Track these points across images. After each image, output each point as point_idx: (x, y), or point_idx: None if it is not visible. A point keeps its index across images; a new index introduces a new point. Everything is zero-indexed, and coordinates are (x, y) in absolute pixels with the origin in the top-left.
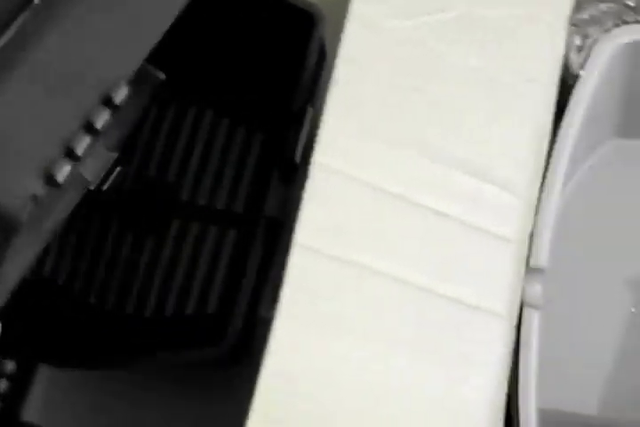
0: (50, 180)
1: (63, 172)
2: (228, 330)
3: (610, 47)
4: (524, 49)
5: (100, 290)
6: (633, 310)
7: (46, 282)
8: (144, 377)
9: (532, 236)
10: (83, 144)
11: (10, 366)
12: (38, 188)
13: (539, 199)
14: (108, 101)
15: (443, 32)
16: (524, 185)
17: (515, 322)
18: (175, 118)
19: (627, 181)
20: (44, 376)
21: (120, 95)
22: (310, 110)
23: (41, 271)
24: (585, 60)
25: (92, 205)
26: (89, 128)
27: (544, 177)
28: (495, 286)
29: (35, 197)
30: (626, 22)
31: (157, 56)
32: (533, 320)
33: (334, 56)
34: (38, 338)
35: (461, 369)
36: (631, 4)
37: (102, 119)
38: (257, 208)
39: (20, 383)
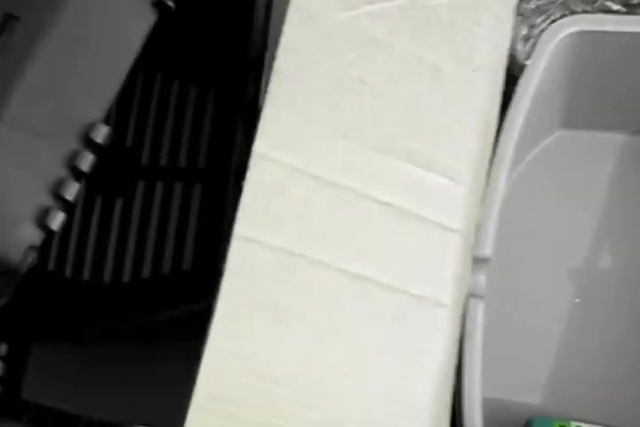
0: (45, 228)
1: (57, 219)
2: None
3: (556, 37)
4: (470, 39)
5: (75, 262)
6: (577, 300)
7: None
8: (132, 348)
9: (477, 226)
10: (72, 189)
11: (2, 348)
12: (35, 237)
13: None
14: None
15: (386, 21)
16: (470, 175)
17: (460, 312)
18: (126, 84)
19: (570, 171)
20: (37, 355)
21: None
22: (267, 55)
23: None
24: (531, 51)
25: None
26: (75, 171)
27: (490, 166)
28: (440, 276)
29: (34, 247)
30: (573, 12)
31: None
32: (477, 310)
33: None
34: (23, 318)
35: (406, 360)
36: None
37: (87, 161)
38: (223, 161)
39: (16, 364)
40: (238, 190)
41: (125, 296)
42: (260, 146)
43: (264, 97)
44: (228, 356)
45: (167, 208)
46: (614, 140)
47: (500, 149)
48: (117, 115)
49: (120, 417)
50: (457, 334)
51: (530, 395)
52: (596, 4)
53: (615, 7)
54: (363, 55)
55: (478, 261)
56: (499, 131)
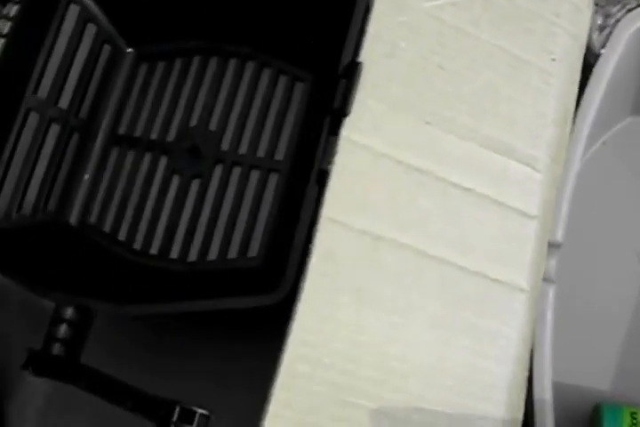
0: None
1: None
2: (282, 279)
3: (631, 27)
4: (549, 29)
5: (146, 236)
6: None
7: (93, 228)
8: (193, 325)
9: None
10: None
11: (69, 311)
12: None
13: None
14: None
15: (468, 12)
16: (548, 162)
17: (536, 297)
18: (217, 69)
19: None
20: (102, 324)
21: None
22: (361, 64)
23: (88, 217)
24: (606, 40)
25: (139, 152)
26: None
27: None
28: (518, 261)
29: None
30: None
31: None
32: (548, 294)
33: None
34: (92, 283)
35: (484, 343)
36: None
37: None
38: (304, 157)
39: (80, 329)
40: (314, 188)
41: (190, 275)
42: (346, 131)
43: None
44: (313, 335)
45: (241, 195)
46: None
47: (573, 136)
48: (205, 98)
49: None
50: (533, 319)
51: (600, 380)
52: None
53: None
54: (445, 44)
55: (550, 246)
56: (573, 117)
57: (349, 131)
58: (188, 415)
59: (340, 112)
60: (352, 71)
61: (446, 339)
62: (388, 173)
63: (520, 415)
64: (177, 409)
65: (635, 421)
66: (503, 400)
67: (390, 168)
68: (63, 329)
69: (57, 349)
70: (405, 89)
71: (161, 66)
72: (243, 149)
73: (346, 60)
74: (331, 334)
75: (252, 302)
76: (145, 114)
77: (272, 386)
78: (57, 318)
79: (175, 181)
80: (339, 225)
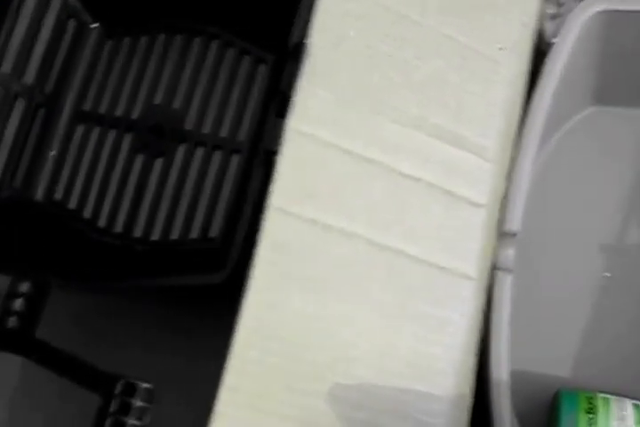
0: None
1: None
2: (228, 258)
3: (583, 15)
4: (497, 18)
5: (110, 213)
6: (607, 274)
7: (58, 205)
8: (149, 302)
9: (504, 201)
10: None
11: (25, 286)
12: None
13: (511, 165)
14: None
15: (416, 1)
16: (496, 151)
17: (485, 284)
18: (182, 47)
19: (601, 146)
20: (56, 297)
21: None
22: (308, 45)
23: (53, 195)
24: (558, 29)
25: (104, 130)
26: None
27: (517, 143)
28: (466, 248)
29: None
30: None
31: None
32: (505, 283)
33: None
34: (52, 259)
35: (432, 329)
36: None
37: None
38: (257, 138)
39: (35, 303)
40: (267, 166)
41: (152, 255)
42: (294, 121)
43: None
44: (264, 323)
45: (203, 175)
46: None
47: (527, 125)
48: (170, 76)
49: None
50: (482, 306)
51: (558, 368)
52: None
53: None
54: (393, 33)
55: (507, 236)
56: (528, 107)
57: (297, 121)
58: (131, 389)
59: (285, 94)
60: (297, 53)
61: (394, 326)
62: (336, 163)
63: (468, 401)
64: (121, 383)
65: (591, 406)
66: (451, 386)
67: (339, 158)
68: (19, 303)
69: (12, 322)
70: (353, 78)
71: (126, 42)
72: (206, 129)
73: (294, 41)
74: (280, 321)
75: (196, 280)
76: (110, 90)
77: (223, 372)
78: (13, 292)
79: (139, 159)
80: (287, 215)
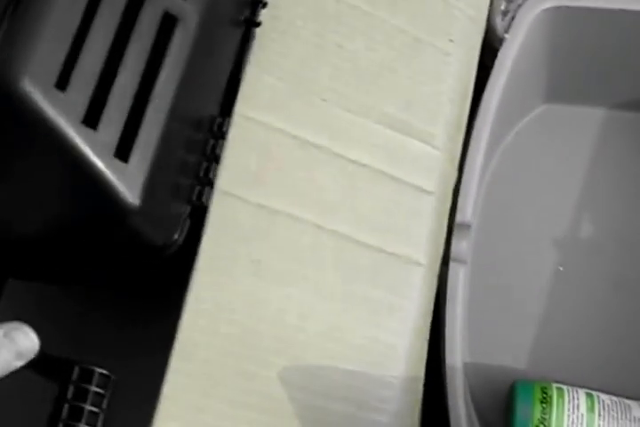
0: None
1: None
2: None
3: (533, 11)
4: (448, 10)
5: None
6: (560, 268)
7: None
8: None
9: (457, 192)
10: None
11: None
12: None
13: (463, 157)
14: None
15: None
16: (445, 139)
17: (436, 272)
18: None
19: (553, 143)
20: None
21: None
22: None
23: None
24: (509, 24)
25: None
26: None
27: (468, 135)
28: (415, 235)
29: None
30: None
31: None
32: (458, 275)
33: None
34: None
35: (381, 314)
36: None
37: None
38: None
39: None
40: None
41: None
42: (241, 107)
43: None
44: (210, 305)
45: None
46: (595, 113)
47: (480, 117)
48: None
49: (78, 356)
50: (433, 294)
51: (514, 360)
52: None
53: None
54: (343, 23)
55: (460, 227)
56: (479, 102)
57: (244, 107)
58: (87, 375)
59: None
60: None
61: (342, 310)
62: (283, 149)
63: (420, 387)
64: (76, 369)
65: (545, 395)
66: (402, 370)
67: (286, 143)
68: None
69: None
70: (302, 66)
71: None
72: None
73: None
74: (227, 304)
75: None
76: None
77: (169, 355)
78: None
79: None
80: (235, 198)
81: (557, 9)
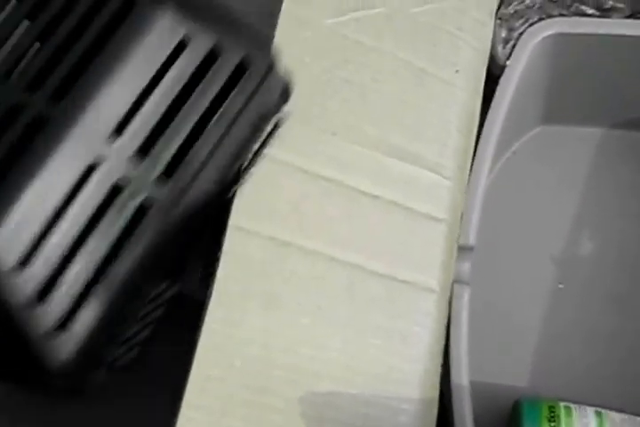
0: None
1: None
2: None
3: (534, 39)
4: (452, 42)
5: None
6: (560, 286)
7: None
8: None
9: (461, 216)
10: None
11: None
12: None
13: (468, 181)
14: None
15: (371, 26)
16: (454, 168)
17: (448, 297)
18: None
19: (551, 163)
20: None
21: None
22: None
23: None
24: (511, 52)
25: None
26: None
27: (473, 160)
28: (428, 262)
29: None
30: (550, 16)
31: None
32: (463, 296)
33: None
34: None
35: (395, 342)
36: None
37: None
38: None
39: None
40: None
41: None
42: None
43: None
44: (223, 339)
45: None
46: (593, 134)
47: (482, 144)
48: None
49: None
50: (445, 319)
51: (517, 378)
52: (572, 8)
53: (589, 11)
54: (350, 58)
55: (463, 250)
56: (482, 126)
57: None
58: None
59: None
60: None
61: (356, 339)
62: (293, 182)
63: (434, 411)
64: None
65: (552, 414)
66: (417, 397)
67: (296, 177)
68: None
69: None
70: (310, 101)
71: None
72: None
73: None
74: (240, 337)
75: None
76: None
77: (183, 390)
78: None
79: None
80: (246, 233)
81: (557, 36)
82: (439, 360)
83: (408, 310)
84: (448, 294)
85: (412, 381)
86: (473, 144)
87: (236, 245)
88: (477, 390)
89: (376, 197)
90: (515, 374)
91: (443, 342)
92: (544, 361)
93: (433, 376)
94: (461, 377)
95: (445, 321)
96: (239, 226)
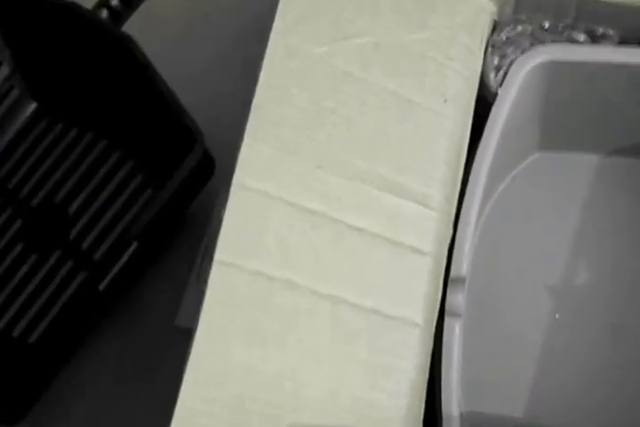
0: None
1: None
2: None
3: (526, 67)
4: (441, 71)
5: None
6: (557, 316)
7: None
8: None
9: (452, 247)
10: None
11: None
12: None
13: (459, 212)
14: None
15: (358, 56)
16: (441, 200)
17: (432, 331)
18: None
19: (547, 191)
20: None
21: None
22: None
23: None
24: (503, 79)
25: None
26: None
27: (463, 191)
28: (412, 296)
29: None
30: (542, 43)
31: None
32: (455, 329)
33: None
34: None
35: (377, 377)
36: (546, 25)
37: None
38: None
39: None
40: None
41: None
42: (238, 176)
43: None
44: (207, 375)
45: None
46: (589, 160)
47: (474, 172)
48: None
49: None
50: (429, 352)
51: (510, 408)
52: (564, 35)
53: (581, 38)
54: (336, 88)
55: (454, 281)
56: (474, 155)
57: (241, 176)
58: None
59: None
60: None
61: (339, 374)
62: (279, 215)
63: None
64: None
65: None
66: None
67: (281, 210)
68: None
69: None
70: (296, 134)
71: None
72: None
73: None
74: (224, 372)
75: None
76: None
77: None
78: None
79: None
80: (231, 267)
81: (550, 64)
82: (422, 395)
83: (392, 344)
84: (432, 327)
85: (394, 416)
86: (461, 175)
87: (221, 279)
88: (472, 420)
89: (361, 229)
90: (510, 404)
91: (427, 376)
92: (540, 391)
93: (417, 409)
94: (451, 408)
95: (429, 355)
96: (224, 261)
